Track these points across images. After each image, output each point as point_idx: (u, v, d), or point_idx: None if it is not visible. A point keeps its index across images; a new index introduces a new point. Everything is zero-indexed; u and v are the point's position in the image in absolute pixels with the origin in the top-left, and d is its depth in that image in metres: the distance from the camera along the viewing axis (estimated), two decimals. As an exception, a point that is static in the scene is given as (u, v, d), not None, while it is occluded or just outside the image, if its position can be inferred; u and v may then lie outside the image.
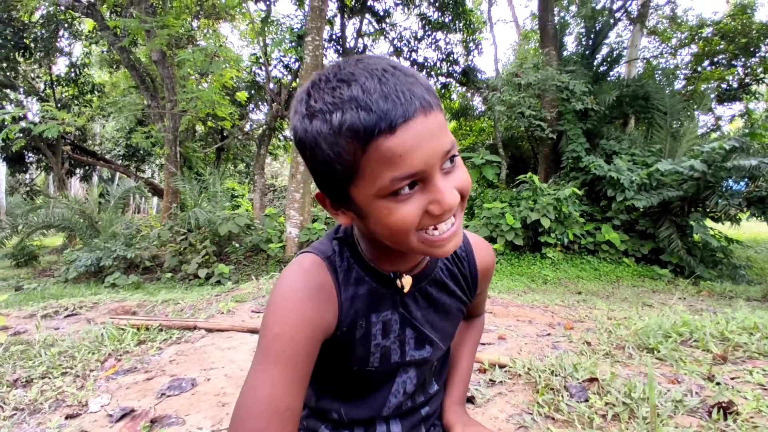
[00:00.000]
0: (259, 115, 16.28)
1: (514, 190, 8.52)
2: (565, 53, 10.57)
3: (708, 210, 7.99)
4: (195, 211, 8.03)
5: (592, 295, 6.03)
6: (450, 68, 13.81)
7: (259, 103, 15.17)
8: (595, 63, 10.55)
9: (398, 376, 0.80)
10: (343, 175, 0.60)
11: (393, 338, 0.78)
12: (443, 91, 14.27)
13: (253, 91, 14.17)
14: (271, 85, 11.98)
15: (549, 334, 2.63)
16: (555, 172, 9.25)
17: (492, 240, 7.38)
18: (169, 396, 1.62)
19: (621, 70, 11.51)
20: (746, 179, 7.70)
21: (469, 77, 13.63)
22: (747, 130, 7.61)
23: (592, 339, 2.28)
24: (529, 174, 7.93)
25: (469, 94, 15.34)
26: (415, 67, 13.50)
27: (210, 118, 11.86)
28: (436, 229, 0.63)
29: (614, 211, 7.94)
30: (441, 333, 0.83)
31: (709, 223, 8.15)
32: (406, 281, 0.76)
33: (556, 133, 9.07)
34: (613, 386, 1.54)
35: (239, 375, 1.85)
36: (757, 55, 11.59)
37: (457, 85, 14.61)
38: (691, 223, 7.70)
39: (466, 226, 7.87)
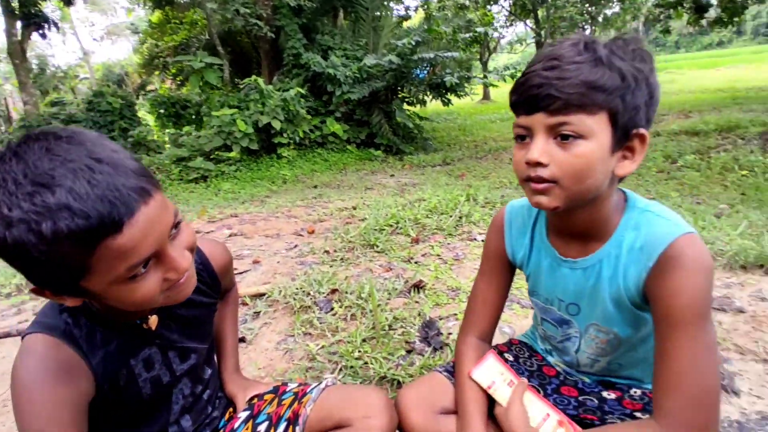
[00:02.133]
0: None
1: (241, 92, 8.31)
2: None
3: (404, 96, 9.62)
4: None
5: (326, 186, 6.84)
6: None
7: None
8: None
9: (174, 389, 0.89)
10: (69, 274, 0.58)
11: (158, 366, 0.84)
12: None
13: None
14: None
15: (296, 246, 3.01)
16: (278, 69, 9.33)
17: (227, 149, 7.25)
18: None
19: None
20: (428, 68, 9.46)
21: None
22: (426, 26, 9.13)
23: (330, 246, 2.75)
24: (254, 77, 7.81)
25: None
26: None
27: None
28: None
29: (335, 104, 8.74)
30: (200, 338, 0.94)
31: (405, 107, 9.89)
32: (152, 321, 0.81)
33: (275, 29, 8.96)
34: (349, 291, 2.00)
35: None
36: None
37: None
38: (394, 108, 9.21)
39: (198, 137, 7.46)
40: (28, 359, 0.69)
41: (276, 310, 1.97)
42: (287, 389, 1.08)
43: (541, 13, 18.49)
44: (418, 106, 9.91)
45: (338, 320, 1.79)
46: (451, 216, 3.00)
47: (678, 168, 6.21)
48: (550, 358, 1.10)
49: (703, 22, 13.74)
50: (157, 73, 14.51)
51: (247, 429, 1.00)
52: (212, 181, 7.02)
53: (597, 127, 0.71)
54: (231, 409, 1.08)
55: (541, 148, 0.73)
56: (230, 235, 3.38)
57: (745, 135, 7.07)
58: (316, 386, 1.05)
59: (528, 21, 19.57)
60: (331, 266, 2.41)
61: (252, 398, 1.07)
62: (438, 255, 2.48)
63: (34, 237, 0.52)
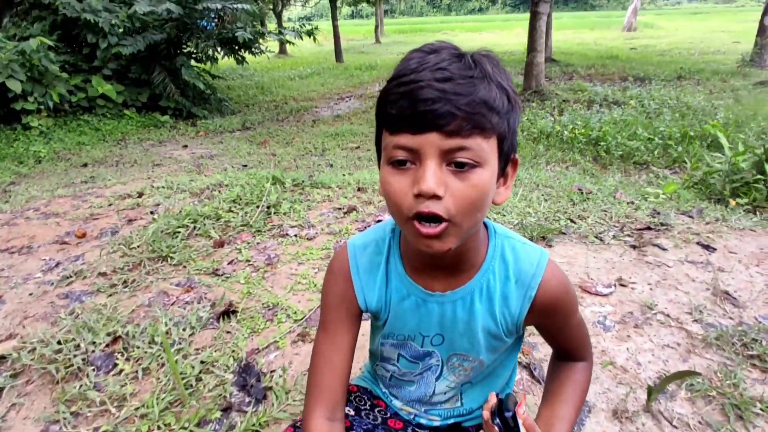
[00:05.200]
0: None
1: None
2: None
3: (191, 52, 8.46)
4: None
5: (100, 164, 5.64)
6: None
7: None
8: None
9: None
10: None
11: None
12: None
13: None
14: None
15: (58, 264, 2.33)
16: (10, 8, 7.10)
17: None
18: None
19: None
20: (215, 19, 8.45)
21: None
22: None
23: (107, 264, 2.19)
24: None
25: None
26: None
27: None
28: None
29: (101, 59, 7.15)
30: None
31: (194, 64, 8.72)
32: None
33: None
34: (137, 335, 1.59)
35: None
36: None
37: None
38: (180, 65, 8.01)
39: None
40: None
41: (29, 381, 1.45)
42: None
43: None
44: (209, 63, 8.84)
45: (125, 382, 1.40)
46: (258, 207, 2.70)
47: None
48: (396, 403, 1.00)
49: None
50: None
51: None
52: None
53: (491, 153, 0.61)
54: None
55: (438, 176, 0.58)
56: (-51, 258, 2.44)
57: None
58: None
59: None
60: (110, 296, 1.90)
61: None
62: (248, 260, 2.20)
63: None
